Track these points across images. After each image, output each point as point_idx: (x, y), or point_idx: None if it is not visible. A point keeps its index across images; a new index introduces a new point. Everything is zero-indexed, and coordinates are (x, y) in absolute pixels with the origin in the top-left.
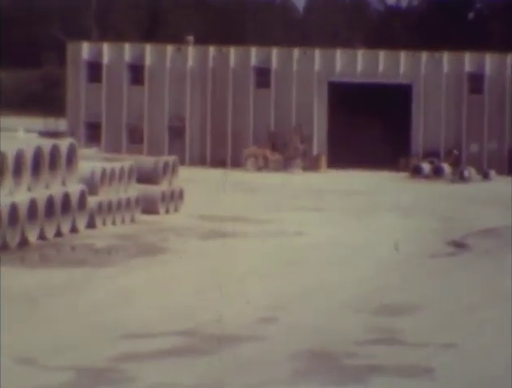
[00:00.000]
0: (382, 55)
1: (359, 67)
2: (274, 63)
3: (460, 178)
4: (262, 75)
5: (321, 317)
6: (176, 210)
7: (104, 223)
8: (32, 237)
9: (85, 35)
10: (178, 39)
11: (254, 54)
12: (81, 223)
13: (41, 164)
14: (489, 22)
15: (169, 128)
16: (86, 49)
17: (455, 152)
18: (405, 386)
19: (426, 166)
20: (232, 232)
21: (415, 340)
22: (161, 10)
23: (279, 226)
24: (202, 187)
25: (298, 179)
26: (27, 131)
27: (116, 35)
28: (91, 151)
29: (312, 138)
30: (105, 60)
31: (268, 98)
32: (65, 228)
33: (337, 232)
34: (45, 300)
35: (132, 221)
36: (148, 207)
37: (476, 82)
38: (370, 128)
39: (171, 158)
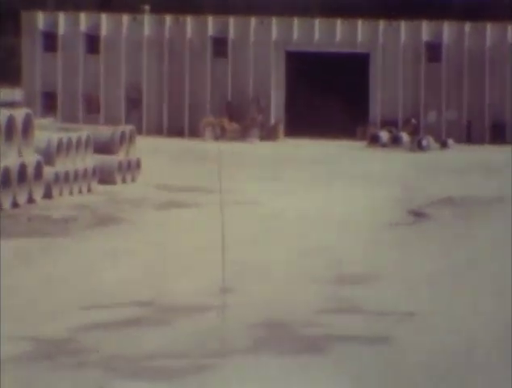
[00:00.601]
0: (339, 24)
1: (316, 36)
2: (232, 32)
3: (418, 146)
4: (220, 45)
5: (278, 287)
6: (133, 180)
7: (61, 193)
8: None
9: (40, 5)
10: (133, 8)
11: (211, 24)
12: (38, 194)
13: None
14: None
15: (126, 98)
16: (41, 19)
17: (414, 121)
18: (363, 354)
19: (384, 135)
20: (188, 202)
21: (374, 309)
22: None
23: (235, 196)
24: (159, 156)
25: (255, 148)
26: None
27: (72, 4)
28: (47, 121)
29: (270, 108)
30: (60, 30)
31: (225, 67)
32: (22, 199)
33: (294, 202)
34: (1, 271)
35: (89, 191)
36: (106, 177)
37: (433, 50)
38: (328, 98)
39: (128, 128)
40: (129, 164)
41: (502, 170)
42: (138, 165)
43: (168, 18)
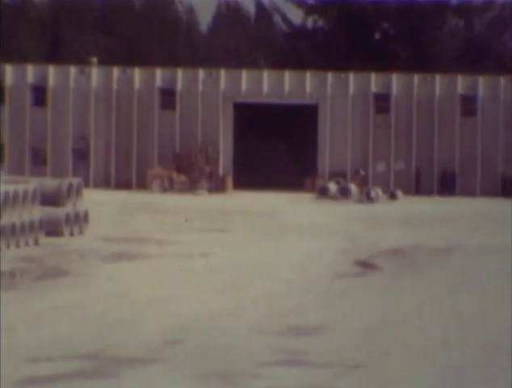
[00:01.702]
0: (288, 75)
1: (265, 88)
2: (180, 84)
3: (367, 198)
4: (167, 96)
5: (224, 339)
6: (81, 232)
7: (8, 246)
8: None
9: None
10: (81, 60)
11: (159, 75)
12: None
13: None
14: (395, 41)
15: (74, 150)
16: None
17: (362, 172)
18: None
19: (333, 187)
20: (136, 254)
21: (320, 361)
22: (65, 32)
23: (184, 248)
24: (107, 209)
25: (203, 200)
26: None
27: (19, 56)
28: None
29: (218, 159)
30: (7, 81)
31: (173, 119)
32: None
33: (242, 254)
34: None
35: (36, 243)
36: (53, 229)
37: (382, 102)
38: (276, 149)
39: (75, 180)
40: (77, 216)
41: (450, 222)
42: (86, 217)
43: (115, 70)
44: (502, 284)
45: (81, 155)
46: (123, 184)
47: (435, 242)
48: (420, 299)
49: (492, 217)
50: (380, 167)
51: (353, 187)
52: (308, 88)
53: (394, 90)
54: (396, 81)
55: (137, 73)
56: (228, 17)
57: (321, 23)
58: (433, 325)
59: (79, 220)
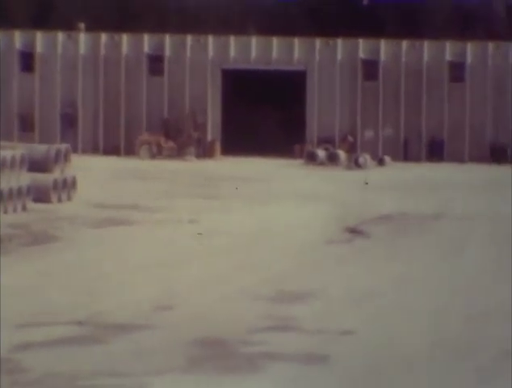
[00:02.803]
0: (276, 41)
1: (253, 54)
2: (168, 50)
3: (355, 164)
4: (156, 62)
5: (214, 305)
6: (69, 199)
7: None
8: None
9: None
10: (69, 26)
11: (147, 41)
12: None
13: None
14: (384, 8)
15: (61, 116)
16: None
17: (350, 138)
18: (301, 372)
19: (321, 153)
20: (124, 220)
21: (310, 327)
22: None
23: (173, 214)
24: (95, 175)
25: (191, 166)
26: None
27: (6, 22)
28: None
29: (206, 125)
30: None
31: (162, 85)
32: None
33: (230, 220)
34: None
35: (24, 209)
36: (41, 195)
37: (370, 68)
38: (265, 115)
39: (63, 146)
40: (65, 182)
41: (436, 188)
42: (74, 183)
43: (103, 36)
44: (487, 246)
45: (69, 121)
46: (112, 150)
47: (423, 208)
48: (404, 264)
49: (480, 183)
50: (369, 134)
51: (341, 154)
52: (296, 54)
53: (382, 57)
54: (384, 47)
55: (125, 39)
56: None
57: None
58: (420, 288)
59: (67, 186)
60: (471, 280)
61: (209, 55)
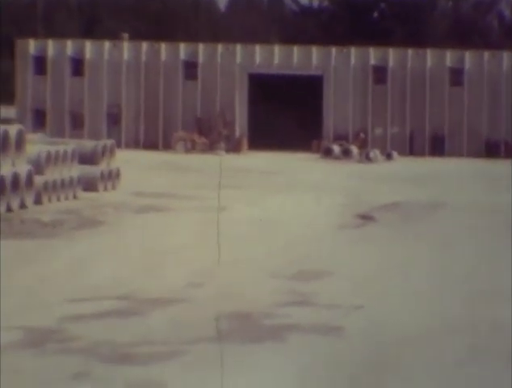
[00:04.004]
0: (296, 49)
1: (276, 60)
2: (201, 57)
3: (366, 158)
4: (190, 68)
5: (241, 282)
6: (114, 188)
7: (50, 200)
8: None
9: (32, 33)
10: (114, 36)
11: (183, 49)
12: (29, 200)
13: None
14: (392, 20)
15: (107, 115)
16: (32, 46)
17: (362, 135)
18: (318, 342)
19: (336, 148)
20: (163, 207)
21: (327, 302)
22: (100, 13)
23: (205, 202)
24: (136, 167)
25: (221, 159)
26: None
27: (59, 32)
28: (38, 136)
29: (235, 123)
30: (49, 54)
31: (195, 88)
32: (15, 204)
33: (256, 207)
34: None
35: (75, 197)
36: (89, 185)
37: (380, 73)
38: (286, 115)
39: (109, 142)
40: (110, 174)
41: (440, 179)
42: (118, 174)
43: (144, 45)
44: (485, 233)
45: (114, 120)
46: (151, 145)
47: (427, 197)
48: (411, 246)
49: (477, 175)
50: (378, 131)
51: (354, 149)
52: (314, 61)
53: (390, 63)
54: (392, 55)
55: (163, 47)
56: None
57: (326, 3)
58: (424, 270)
59: (112, 177)
60: (466, 261)
61: (237, 61)
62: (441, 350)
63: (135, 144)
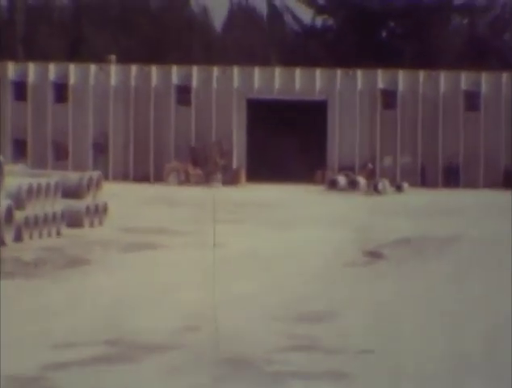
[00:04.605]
0: (298, 72)
1: (277, 84)
2: (195, 81)
3: (375, 190)
4: (183, 93)
5: (240, 324)
6: (100, 224)
7: (31, 237)
8: None
9: (10, 55)
10: (101, 59)
11: (175, 73)
12: (9, 237)
13: None
14: (402, 40)
15: (94, 145)
16: (11, 69)
17: (370, 165)
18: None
19: (342, 179)
20: (154, 244)
21: (332, 347)
22: (85, 32)
23: (200, 238)
24: (125, 201)
25: (217, 192)
26: None
27: (41, 55)
28: (18, 167)
29: (232, 153)
30: (30, 79)
31: (189, 114)
32: None
33: (256, 243)
34: None
35: (58, 234)
36: (74, 221)
37: (389, 98)
38: (288, 143)
39: (95, 174)
40: (96, 208)
41: (454, 213)
42: (105, 209)
43: (133, 68)
44: (505, 270)
45: (101, 149)
46: (141, 177)
47: (440, 232)
48: (423, 285)
49: (495, 208)
50: (387, 161)
51: (361, 180)
52: (317, 85)
53: (400, 87)
54: (402, 77)
55: (154, 70)
56: (241, 17)
57: (330, 22)
58: (437, 308)
59: (99, 212)
60: (482, 299)
61: (234, 85)
62: None
63: (123, 176)
